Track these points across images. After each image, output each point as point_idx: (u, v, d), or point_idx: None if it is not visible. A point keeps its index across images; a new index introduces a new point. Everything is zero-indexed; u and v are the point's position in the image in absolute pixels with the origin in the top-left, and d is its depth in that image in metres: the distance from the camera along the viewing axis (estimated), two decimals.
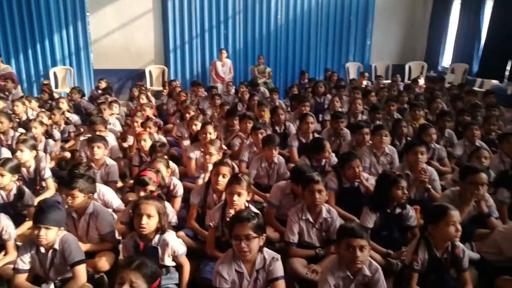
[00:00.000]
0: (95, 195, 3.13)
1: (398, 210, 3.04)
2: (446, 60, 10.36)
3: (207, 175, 3.64)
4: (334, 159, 4.17)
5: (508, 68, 8.19)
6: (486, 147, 4.33)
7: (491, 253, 2.72)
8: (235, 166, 4.11)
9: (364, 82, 8.90)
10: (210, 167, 3.64)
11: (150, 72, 9.79)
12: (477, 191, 2.97)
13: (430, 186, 3.61)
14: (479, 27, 9.02)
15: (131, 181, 4.05)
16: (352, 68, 10.57)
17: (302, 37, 10.35)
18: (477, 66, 9.06)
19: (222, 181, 3.13)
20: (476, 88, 8.17)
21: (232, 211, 2.74)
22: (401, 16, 10.75)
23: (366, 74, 9.61)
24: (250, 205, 2.93)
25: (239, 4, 9.90)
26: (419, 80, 8.77)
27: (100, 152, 3.91)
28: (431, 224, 2.44)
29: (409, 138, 4.96)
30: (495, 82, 8.40)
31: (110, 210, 3.23)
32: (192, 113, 5.45)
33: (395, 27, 10.80)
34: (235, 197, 2.78)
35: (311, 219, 2.90)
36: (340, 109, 6.16)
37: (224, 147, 4.54)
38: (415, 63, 10.55)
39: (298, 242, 2.89)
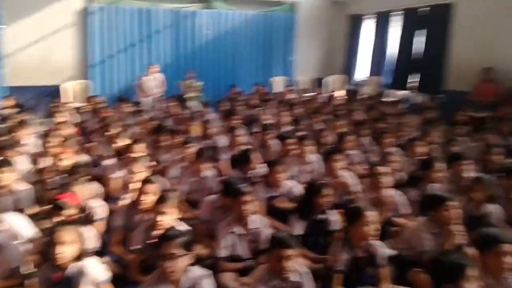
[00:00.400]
0: (1, 227, 2.80)
1: (322, 216, 3.17)
2: (362, 73, 11.14)
3: (131, 195, 3.47)
4: (263, 169, 4.29)
5: (412, 80, 9.10)
6: (398, 151, 4.73)
7: (404, 248, 2.96)
8: (167, 182, 4.05)
9: (290, 95, 9.27)
10: (135, 186, 3.46)
11: (70, 88, 9.29)
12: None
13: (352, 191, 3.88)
14: (387, 43, 9.98)
15: (47, 206, 3.78)
16: (279, 82, 10.95)
17: (231, 53, 10.55)
18: (388, 79, 9.92)
19: (148, 200, 3.04)
20: (387, 99, 8.90)
21: (157, 232, 2.67)
22: (321, 33, 11.38)
23: (292, 87, 10.02)
24: (181, 222, 2.90)
25: (167, 19, 9.85)
26: (336, 92, 9.32)
27: (5, 177, 3.54)
28: (349, 225, 2.63)
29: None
30: (403, 92, 9.24)
31: (20, 240, 2.88)
32: (115, 130, 5.27)
33: (316, 43, 11.41)
34: (160, 217, 2.72)
35: (241, 231, 2.92)
36: (267, 121, 6.36)
37: (152, 163, 4.46)
38: (335, 76, 11.20)
39: (230, 255, 2.90)
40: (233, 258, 2.91)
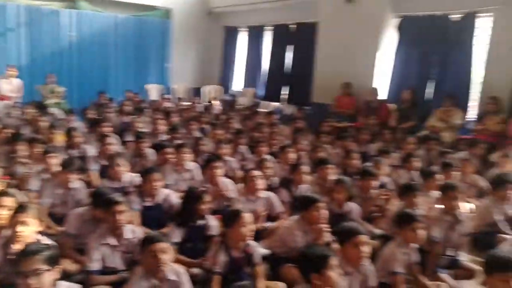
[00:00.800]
0: None
1: (201, 222, 3.20)
2: (238, 84, 11.56)
3: None
4: (137, 179, 4.11)
5: (284, 92, 9.76)
6: (271, 159, 5.01)
7: (278, 246, 3.14)
8: (25, 196, 3.59)
9: (166, 104, 9.10)
10: None
11: None
12: None
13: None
14: (261, 56, 10.52)
15: None
16: (154, 90, 10.69)
17: (99, 57, 9.95)
18: (262, 91, 10.47)
19: (4, 215, 2.70)
20: (262, 110, 9.38)
21: (17, 246, 2.39)
22: (197, 42, 11.47)
23: (167, 96, 9.87)
24: (44, 237, 2.62)
25: (22, 16, 8.82)
26: (213, 102, 9.49)
27: None
28: (227, 228, 2.69)
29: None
30: (276, 104, 9.87)
31: None
32: None
33: (193, 52, 11.46)
34: (19, 227, 2.44)
35: (114, 243, 2.78)
36: (142, 130, 6.14)
37: (5, 176, 3.93)
38: (212, 86, 11.39)
39: (102, 268, 2.73)
40: (106, 271, 2.75)
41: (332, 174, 4.35)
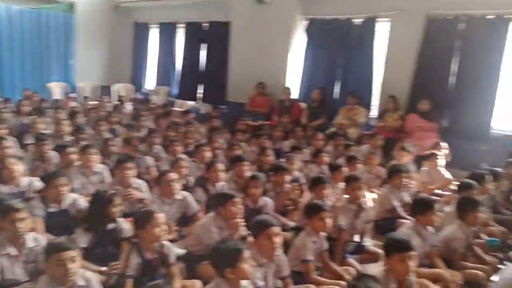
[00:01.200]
0: None
1: (112, 225, 3.07)
2: (151, 82, 11.19)
3: None
4: (37, 183, 3.78)
5: (199, 91, 9.68)
6: (186, 158, 4.94)
7: (195, 245, 3.11)
8: None
9: (71, 103, 8.49)
10: None
11: None
12: None
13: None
14: (174, 54, 10.31)
15: None
16: (57, 88, 9.89)
17: None
18: (176, 89, 10.28)
19: None
20: (177, 108, 9.22)
21: None
22: (104, 38, 10.88)
23: (72, 94, 9.21)
24: None
25: None
26: (124, 101, 9.08)
27: None
28: (139, 230, 2.60)
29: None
30: (191, 103, 9.75)
31: None
32: None
33: (100, 48, 10.85)
34: None
35: (14, 252, 2.56)
36: (44, 131, 5.68)
37: None
38: (122, 85, 10.87)
39: (1, 280, 2.49)
40: (6, 283, 2.52)
41: (248, 171, 4.43)
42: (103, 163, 4.63)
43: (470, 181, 3.99)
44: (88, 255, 2.86)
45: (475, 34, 6.12)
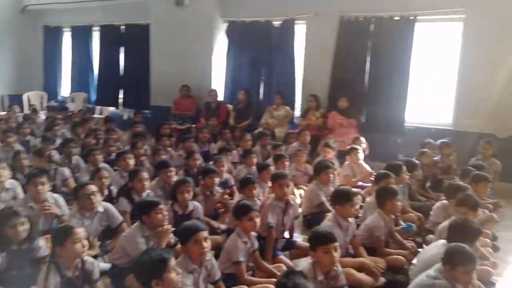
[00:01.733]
0: None
1: (26, 245, 2.81)
2: (67, 89, 10.48)
3: None
4: None
5: (120, 96, 9.27)
6: (108, 167, 4.69)
7: (121, 257, 2.95)
8: None
9: None
10: None
11: None
12: None
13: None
14: (91, 59, 9.78)
15: None
16: None
17: None
18: (95, 95, 9.75)
19: None
20: (96, 115, 8.73)
21: None
22: (11, 43, 10.02)
23: None
24: None
25: None
26: (37, 110, 8.41)
27: None
28: (58, 247, 2.42)
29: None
30: (112, 109, 9.30)
31: None
32: None
33: (5, 55, 9.95)
34: None
35: None
36: None
37: None
38: (34, 92, 10.07)
39: None
40: None
41: (174, 176, 4.32)
42: (14, 178, 4.24)
43: (387, 171, 4.25)
44: (2, 279, 2.61)
45: (385, 34, 6.60)
